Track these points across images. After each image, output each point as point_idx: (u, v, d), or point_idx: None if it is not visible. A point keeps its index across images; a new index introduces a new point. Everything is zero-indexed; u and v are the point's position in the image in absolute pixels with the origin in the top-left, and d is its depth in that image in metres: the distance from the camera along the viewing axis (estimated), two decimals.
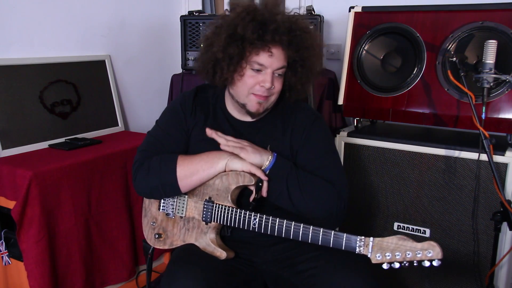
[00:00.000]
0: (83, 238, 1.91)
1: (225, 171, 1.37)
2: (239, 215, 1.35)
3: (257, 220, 1.33)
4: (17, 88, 2.01)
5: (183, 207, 1.43)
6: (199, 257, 1.36)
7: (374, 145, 1.92)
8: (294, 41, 1.36)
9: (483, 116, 1.60)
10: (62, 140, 2.14)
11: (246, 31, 1.31)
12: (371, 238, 1.21)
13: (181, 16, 2.49)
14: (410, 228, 1.87)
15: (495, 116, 1.72)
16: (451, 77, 1.67)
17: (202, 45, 1.44)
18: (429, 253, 1.16)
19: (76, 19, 2.32)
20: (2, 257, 1.85)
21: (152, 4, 2.78)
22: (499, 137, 1.66)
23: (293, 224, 1.29)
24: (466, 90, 1.61)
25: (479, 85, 1.63)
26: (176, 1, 2.97)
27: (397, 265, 1.19)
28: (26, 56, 2.09)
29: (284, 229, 1.30)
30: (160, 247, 1.48)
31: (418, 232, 1.86)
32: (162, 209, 1.47)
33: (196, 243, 1.41)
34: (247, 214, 1.35)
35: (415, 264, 1.18)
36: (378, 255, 1.20)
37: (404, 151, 1.86)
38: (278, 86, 1.39)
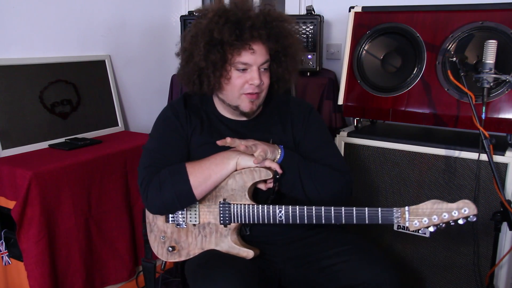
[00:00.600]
0: (83, 238, 1.91)
1: (236, 170, 1.36)
2: (261, 210, 1.34)
3: (283, 211, 1.32)
4: (17, 88, 2.01)
5: (195, 214, 1.40)
6: (226, 259, 1.34)
7: (374, 145, 1.92)
8: (272, 33, 1.36)
9: (483, 116, 1.60)
10: (62, 140, 2.14)
11: (223, 34, 1.30)
12: (406, 207, 1.25)
13: (181, 16, 2.49)
14: None
15: (495, 116, 1.72)
16: (451, 77, 1.66)
17: (181, 58, 1.42)
18: (465, 211, 1.21)
19: (76, 19, 2.32)
20: (2, 257, 1.85)
21: (152, 4, 2.78)
22: (499, 137, 1.66)
23: (323, 209, 1.30)
24: (466, 90, 1.60)
25: (479, 85, 1.63)
26: (176, 1, 2.97)
27: (432, 228, 1.24)
28: (26, 56, 2.09)
29: (314, 215, 1.30)
30: (175, 260, 1.43)
31: (418, 232, 1.86)
32: (171, 221, 1.42)
33: (217, 248, 1.38)
34: (271, 207, 1.33)
35: (451, 223, 1.22)
36: (415, 222, 1.24)
37: (404, 151, 1.86)
38: (266, 80, 1.40)
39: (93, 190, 1.95)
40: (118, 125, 2.47)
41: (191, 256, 1.41)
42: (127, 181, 2.10)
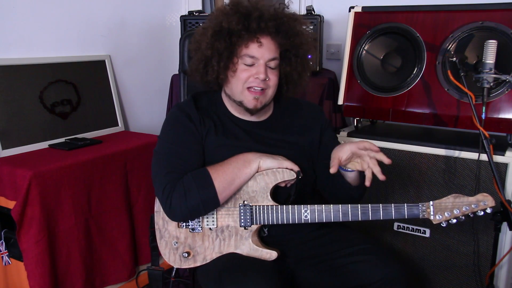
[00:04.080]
0: (83, 238, 1.91)
1: (257, 172, 1.35)
2: (286, 211, 1.33)
3: (308, 211, 1.33)
4: (17, 88, 2.01)
5: (213, 218, 1.37)
6: (252, 262, 1.33)
7: None
8: (281, 28, 1.36)
9: (483, 116, 1.60)
10: (62, 140, 2.14)
11: (231, 24, 1.32)
12: (431, 202, 1.30)
13: (181, 16, 2.49)
14: (410, 228, 1.87)
15: (495, 116, 1.72)
16: (451, 77, 1.67)
17: (191, 49, 1.44)
18: (484, 203, 1.28)
19: (76, 19, 2.32)
20: (2, 257, 1.84)
21: (152, 4, 2.78)
22: (499, 137, 1.66)
23: (349, 207, 1.31)
24: (466, 90, 1.61)
25: (479, 85, 1.63)
26: (176, 1, 2.97)
27: (454, 220, 1.31)
28: (26, 56, 2.09)
29: (341, 213, 1.31)
30: (190, 266, 1.39)
31: (418, 232, 1.86)
32: (186, 226, 1.39)
33: (238, 251, 1.36)
34: (296, 207, 1.33)
35: (470, 215, 1.30)
36: (438, 216, 1.30)
37: (404, 151, 1.86)
38: (273, 78, 1.39)
39: (93, 190, 1.95)
40: (118, 125, 2.47)
41: (207, 261, 1.38)
42: (127, 181, 2.10)
